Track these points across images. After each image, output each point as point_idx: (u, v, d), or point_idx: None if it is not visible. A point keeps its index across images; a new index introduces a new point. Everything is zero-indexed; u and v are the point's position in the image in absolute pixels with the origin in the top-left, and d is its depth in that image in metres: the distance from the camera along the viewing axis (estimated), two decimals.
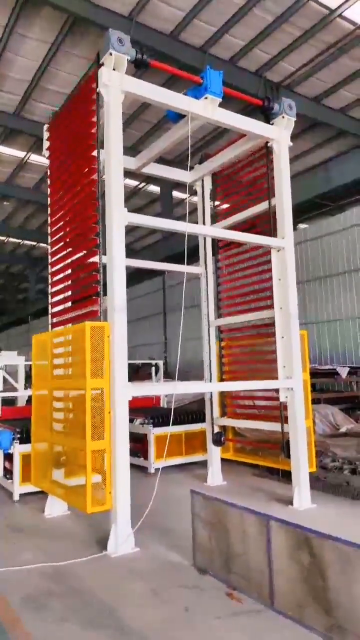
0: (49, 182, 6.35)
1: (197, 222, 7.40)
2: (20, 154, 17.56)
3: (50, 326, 6.06)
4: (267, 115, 6.45)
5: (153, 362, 12.74)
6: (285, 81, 14.00)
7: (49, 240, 6.22)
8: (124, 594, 3.80)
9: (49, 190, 6.33)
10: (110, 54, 4.98)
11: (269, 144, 6.46)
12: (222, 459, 7.28)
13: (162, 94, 5.49)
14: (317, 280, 14.88)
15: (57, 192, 6.14)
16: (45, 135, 6.44)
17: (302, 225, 18.06)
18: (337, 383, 12.32)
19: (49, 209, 6.31)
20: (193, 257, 7.24)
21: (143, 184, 20.29)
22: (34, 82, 13.46)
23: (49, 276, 6.18)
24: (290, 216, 6.38)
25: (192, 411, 8.61)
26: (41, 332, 6.23)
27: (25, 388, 10.74)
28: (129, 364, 5.05)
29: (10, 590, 3.89)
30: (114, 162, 5.06)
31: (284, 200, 6.33)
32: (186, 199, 20.35)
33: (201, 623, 3.34)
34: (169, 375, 15.05)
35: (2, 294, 40.65)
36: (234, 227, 7.06)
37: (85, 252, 5.44)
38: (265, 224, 6.64)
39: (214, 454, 7.21)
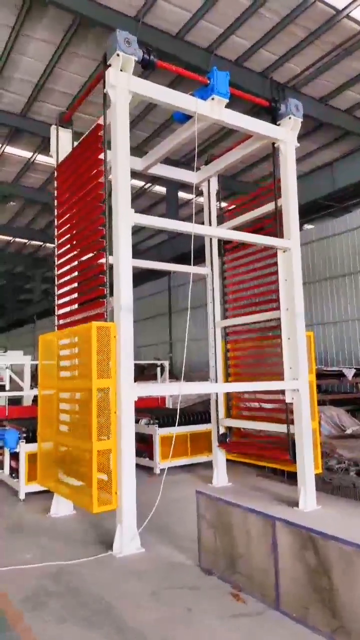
0: (55, 183, 6.37)
1: (203, 223, 7.40)
2: (27, 154, 17.61)
3: (56, 326, 6.08)
4: (273, 116, 6.46)
5: (158, 362, 12.74)
6: (291, 82, 13.97)
7: (56, 241, 6.24)
8: (127, 593, 3.81)
9: (55, 190, 6.35)
10: (118, 54, 4.99)
11: (275, 145, 6.46)
12: (228, 460, 7.27)
13: (169, 94, 5.50)
14: (323, 281, 14.84)
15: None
16: (53, 137, 6.45)
17: (307, 226, 18.02)
18: (342, 384, 12.29)
19: (55, 209, 6.33)
20: (199, 257, 7.24)
21: (149, 185, 20.30)
22: (40, 82, 13.49)
23: (56, 276, 6.20)
24: (296, 217, 6.37)
25: (198, 412, 8.62)
26: (46, 332, 6.24)
27: (31, 388, 10.77)
28: (135, 365, 5.05)
29: (14, 589, 3.91)
30: (120, 163, 5.07)
31: (290, 201, 6.32)
32: (192, 199, 20.35)
33: (203, 623, 3.34)
34: (174, 376, 15.05)
35: (7, 294, 40.75)
36: (240, 228, 7.06)
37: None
38: (272, 225, 6.64)
39: (219, 455, 7.21)
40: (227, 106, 5.72)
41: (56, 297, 6.16)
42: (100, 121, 5.42)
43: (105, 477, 4.66)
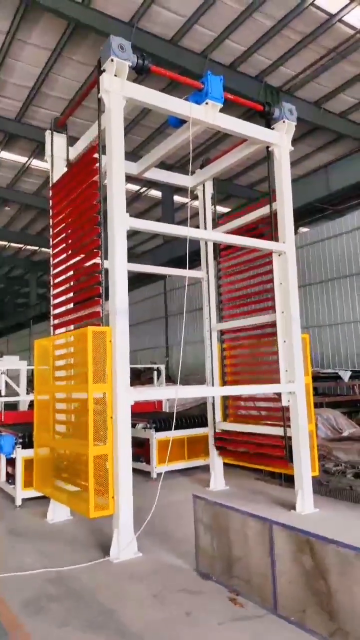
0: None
1: (198, 227, 7.42)
2: (22, 159, 17.64)
3: (52, 331, 6.07)
4: (267, 120, 6.48)
5: (155, 366, 12.73)
6: (285, 86, 14.06)
7: (51, 245, 6.23)
8: (125, 599, 3.80)
9: (50, 195, 6.35)
10: (112, 60, 5.01)
11: (269, 149, 6.48)
12: (225, 463, 7.26)
13: (164, 99, 5.51)
14: (318, 283, 14.89)
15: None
16: (48, 142, 6.45)
17: (302, 229, 18.08)
18: (339, 387, 12.31)
19: (50, 213, 6.32)
20: (194, 261, 7.25)
21: (144, 189, 20.34)
22: (35, 87, 13.53)
23: (51, 281, 6.19)
24: (291, 220, 6.39)
25: (194, 415, 8.60)
26: (42, 336, 6.23)
27: (27, 393, 10.74)
28: (131, 369, 5.05)
29: (12, 595, 3.89)
30: (115, 168, 5.08)
31: (285, 204, 6.34)
32: (187, 203, 20.39)
33: (202, 627, 3.34)
34: (170, 380, 15.04)
35: (3, 298, 40.69)
36: (235, 231, 7.07)
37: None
38: (267, 228, 6.65)
39: (216, 459, 7.20)
40: (222, 110, 5.75)
41: (51, 302, 6.15)
42: (95, 132, 5.38)
43: (102, 482, 4.64)
